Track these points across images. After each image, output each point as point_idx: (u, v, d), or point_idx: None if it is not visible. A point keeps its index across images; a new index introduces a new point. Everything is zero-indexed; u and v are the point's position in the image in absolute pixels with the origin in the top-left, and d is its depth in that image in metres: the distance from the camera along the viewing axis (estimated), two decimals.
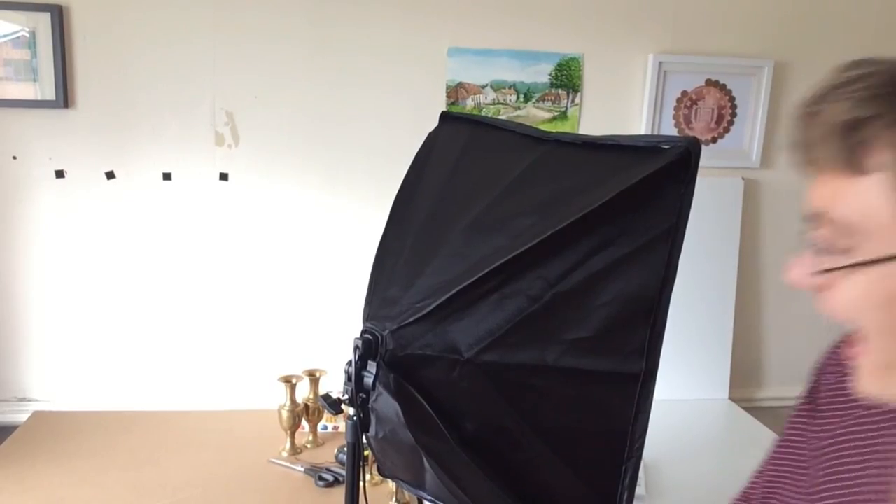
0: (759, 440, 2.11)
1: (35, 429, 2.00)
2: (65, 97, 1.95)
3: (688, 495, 1.76)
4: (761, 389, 2.45)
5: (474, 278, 0.94)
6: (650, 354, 0.94)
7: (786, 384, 2.46)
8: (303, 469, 1.86)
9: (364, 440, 1.08)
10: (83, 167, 2.01)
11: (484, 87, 2.11)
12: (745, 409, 2.30)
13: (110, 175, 2.03)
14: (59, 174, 2.00)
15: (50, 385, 2.10)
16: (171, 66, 1.99)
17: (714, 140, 2.26)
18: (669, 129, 2.22)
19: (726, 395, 2.35)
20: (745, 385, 2.42)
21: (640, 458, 0.97)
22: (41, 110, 1.96)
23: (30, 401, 2.11)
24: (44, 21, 1.91)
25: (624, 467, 0.97)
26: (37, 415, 2.06)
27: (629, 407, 0.95)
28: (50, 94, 1.94)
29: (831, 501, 0.77)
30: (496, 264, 0.93)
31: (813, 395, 0.91)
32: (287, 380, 1.92)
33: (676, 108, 2.21)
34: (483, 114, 2.12)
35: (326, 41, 2.03)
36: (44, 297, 2.06)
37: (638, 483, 1.00)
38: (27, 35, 1.92)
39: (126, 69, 1.98)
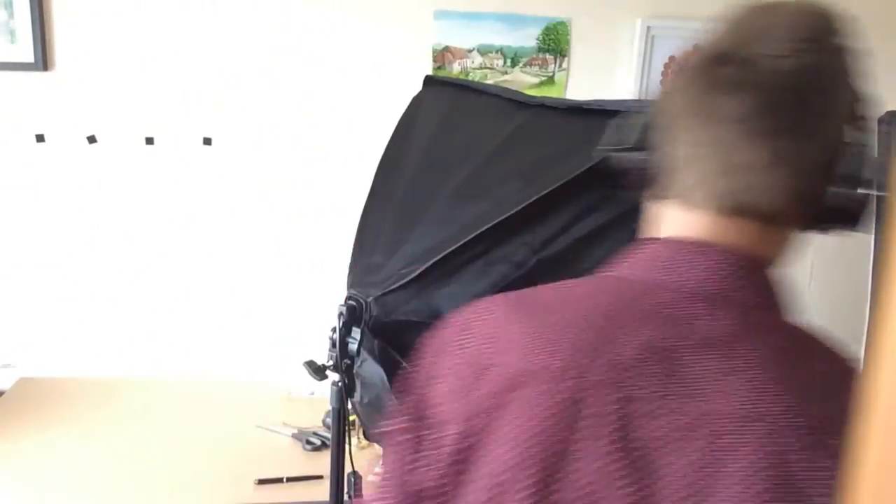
0: None
1: (20, 395, 2.00)
2: (44, 59, 1.91)
3: None
4: None
5: (459, 244, 0.94)
6: None
7: None
8: (290, 434, 1.87)
9: (349, 405, 1.09)
10: (64, 131, 1.98)
11: (470, 51, 2.09)
12: None
13: (92, 139, 2.00)
14: (40, 138, 1.97)
15: (33, 352, 2.10)
16: (153, 28, 1.95)
17: None
18: (657, 94, 2.21)
19: None
20: None
21: None
22: (19, 73, 1.92)
23: (11, 367, 2.10)
24: None
25: None
26: (22, 381, 2.06)
27: None
28: (28, 55, 1.90)
29: None
30: (480, 230, 0.93)
31: None
32: None
33: (664, 74, 2.20)
34: (470, 78, 2.10)
35: (311, 2, 1.99)
36: (24, 262, 2.04)
37: None
38: None
39: (106, 29, 1.94)
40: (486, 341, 0.65)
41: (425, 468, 0.64)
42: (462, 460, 0.62)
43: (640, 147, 0.71)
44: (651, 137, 0.69)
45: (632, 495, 0.56)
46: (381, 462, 0.71)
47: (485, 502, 0.60)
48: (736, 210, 0.64)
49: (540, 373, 0.60)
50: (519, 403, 0.60)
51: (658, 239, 0.68)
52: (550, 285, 0.69)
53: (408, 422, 0.66)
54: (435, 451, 0.63)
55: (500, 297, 0.70)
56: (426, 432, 0.64)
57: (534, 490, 0.58)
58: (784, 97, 0.63)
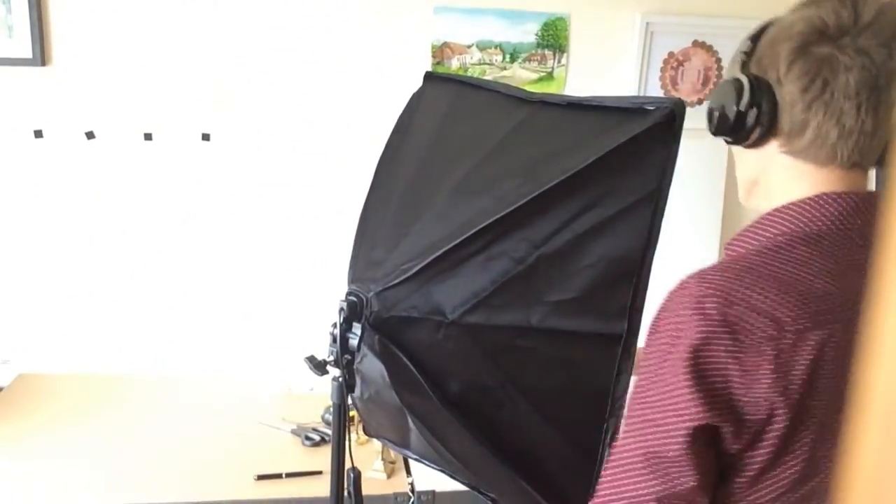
0: None
1: (19, 392, 2.00)
2: (41, 54, 1.90)
3: None
4: None
5: (459, 240, 0.94)
6: (632, 316, 0.95)
7: None
8: (289, 429, 1.88)
9: (349, 401, 1.10)
10: (62, 127, 1.97)
11: (469, 46, 2.09)
12: None
13: (90, 135, 1.99)
14: (38, 134, 1.97)
15: (31, 348, 2.09)
16: (152, 23, 1.95)
17: (700, 101, 2.25)
18: (656, 89, 2.21)
19: None
20: None
21: (621, 416, 0.99)
22: (17, 68, 1.91)
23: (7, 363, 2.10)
24: None
25: (605, 425, 0.99)
26: (21, 378, 2.06)
27: (611, 367, 0.97)
28: (26, 51, 1.90)
29: None
30: (481, 226, 0.93)
31: None
32: None
33: (663, 69, 2.20)
34: (469, 74, 2.09)
35: None
36: (22, 258, 2.04)
37: None
38: None
39: (104, 25, 1.94)
40: (762, 315, 0.82)
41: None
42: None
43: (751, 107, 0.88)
44: (760, 100, 0.87)
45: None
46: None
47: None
48: (854, 165, 0.87)
49: (829, 326, 0.83)
50: (827, 352, 0.83)
51: (816, 198, 0.87)
52: (774, 259, 0.86)
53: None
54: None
55: (748, 278, 0.84)
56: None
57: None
58: (883, 80, 0.83)
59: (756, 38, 0.91)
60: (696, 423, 0.80)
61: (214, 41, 1.98)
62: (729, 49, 2.25)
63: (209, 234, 2.10)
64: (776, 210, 0.89)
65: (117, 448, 1.76)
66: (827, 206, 0.86)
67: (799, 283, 0.82)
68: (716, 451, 0.84)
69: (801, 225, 0.86)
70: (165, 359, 2.14)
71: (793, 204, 0.88)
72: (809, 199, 0.87)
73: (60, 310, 2.08)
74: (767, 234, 0.88)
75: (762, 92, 0.86)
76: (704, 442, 0.82)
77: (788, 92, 0.85)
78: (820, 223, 0.86)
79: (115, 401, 1.97)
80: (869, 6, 0.83)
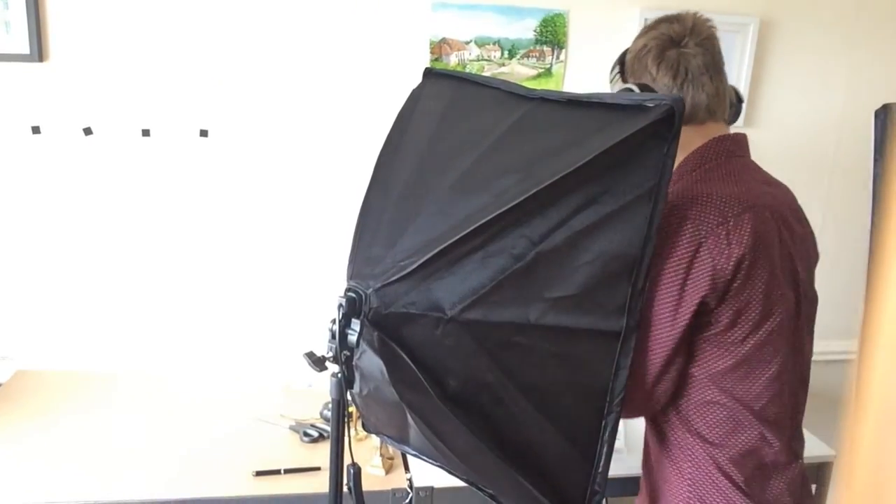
0: None
1: (17, 388, 1.99)
2: (39, 50, 1.90)
3: None
4: None
5: (458, 237, 0.94)
6: (631, 312, 0.96)
7: None
8: (288, 426, 1.88)
9: (348, 397, 1.10)
10: (59, 123, 1.97)
11: (468, 42, 2.08)
12: None
13: (88, 131, 1.99)
14: (36, 130, 1.96)
15: (30, 345, 2.09)
16: (150, 19, 1.94)
17: None
18: None
19: None
20: None
21: (619, 413, 0.99)
22: (14, 64, 1.91)
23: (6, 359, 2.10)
24: None
25: (604, 422, 0.99)
26: (19, 374, 2.06)
27: (610, 363, 0.97)
28: (23, 46, 1.89)
29: None
30: (480, 223, 0.93)
31: None
32: None
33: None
34: (467, 70, 2.09)
35: None
36: (20, 255, 2.04)
37: (617, 437, 1.02)
38: None
39: (102, 20, 1.93)
40: (712, 208, 1.13)
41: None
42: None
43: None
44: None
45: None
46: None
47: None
48: (719, 117, 1.24)
49: (756, 210, 1.15)
50: (758, 226, 1.14)
51: (715, 139, 1.23)
52: (732, 173, 1.21)
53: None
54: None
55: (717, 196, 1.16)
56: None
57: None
58: (717, 58, 1.23)
59: (621, 61, 1.28)
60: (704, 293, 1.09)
61: (212, 37, 1.98)
62: (727, 44, 2.24)
63: (207, 230, 2.10)
64: (694, 151, 1.22)
65: (115, 444, 1.76)
66: (723, 142, 1.21)
67: (734, 182, 1.15)
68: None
69: (720, 151, 1.22)
70: (163, 355, 2.14)
71: (701, 146, 1.22)
72: (711, 139, 1.21)
73: (58, 306, 2.08)
74: (699, 160, 1.21)
75: (647, 89, 1.19)
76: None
77: (663, 83, 1.20)
78: (725, 151, 1.22)
79: (112, 397, 1.97)
80: (686, 20, 1.22)
